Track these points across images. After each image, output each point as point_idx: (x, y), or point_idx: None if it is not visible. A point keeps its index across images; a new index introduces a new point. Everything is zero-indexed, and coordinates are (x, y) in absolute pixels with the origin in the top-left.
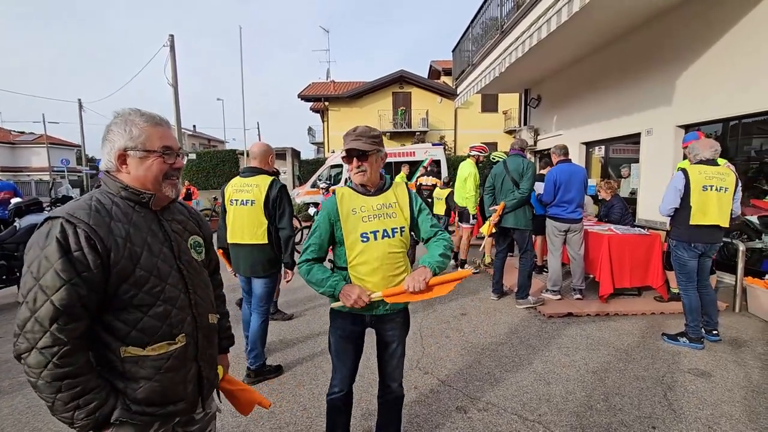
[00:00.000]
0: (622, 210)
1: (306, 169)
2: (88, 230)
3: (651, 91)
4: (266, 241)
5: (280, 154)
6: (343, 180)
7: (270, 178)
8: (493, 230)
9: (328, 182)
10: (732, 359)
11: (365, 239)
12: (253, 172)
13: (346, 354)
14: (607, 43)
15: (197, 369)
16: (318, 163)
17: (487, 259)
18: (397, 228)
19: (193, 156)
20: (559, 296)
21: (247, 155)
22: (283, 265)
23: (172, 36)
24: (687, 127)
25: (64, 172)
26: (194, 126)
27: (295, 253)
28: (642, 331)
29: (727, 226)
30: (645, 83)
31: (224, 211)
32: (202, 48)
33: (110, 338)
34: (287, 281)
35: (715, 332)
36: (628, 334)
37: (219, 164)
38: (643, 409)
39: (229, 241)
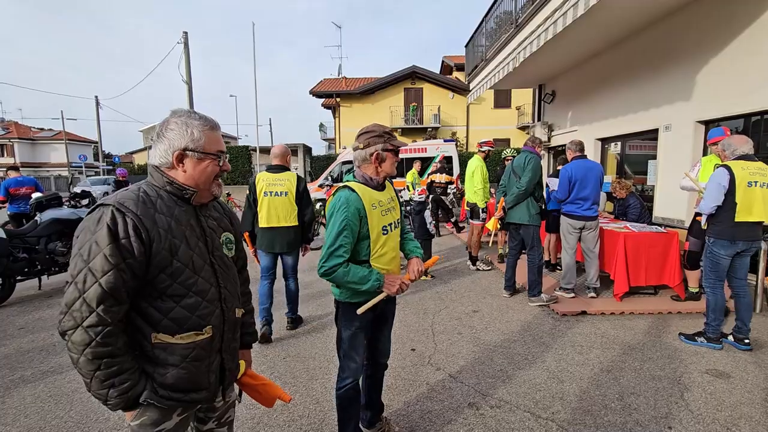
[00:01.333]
0: (640, 209)
1: (317, 165)
2: (136, 220)
3: (670, 86)
4: (297, 223)
5: (292, 150)
6: (324, 177)
7: (295, 174)
8: (498, 226)
9: (330, 180)
10: (752, 360)
11: (385, 232)
12: (280, 169)
13: (360, 344)
14: (624, 38)
15: (220, 360)
16: (329, 159)
17: (500, 251)
18: (398, 219)
19: None
20: (572, 294)
21: (259, 151)
22: (305, 240)
23: (185, 33)
24: (707, 123)
25: (81, 167)
26: None
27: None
28: (658, 331)
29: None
30: (664, 78)
31: (255, 201)
32: (215, 45)
33: (144, 324)
34: (304, 255)
35: (747, 341)
36: (644, 333)
37: (232, 160)
38: (659, 409)
39: (264, 225)
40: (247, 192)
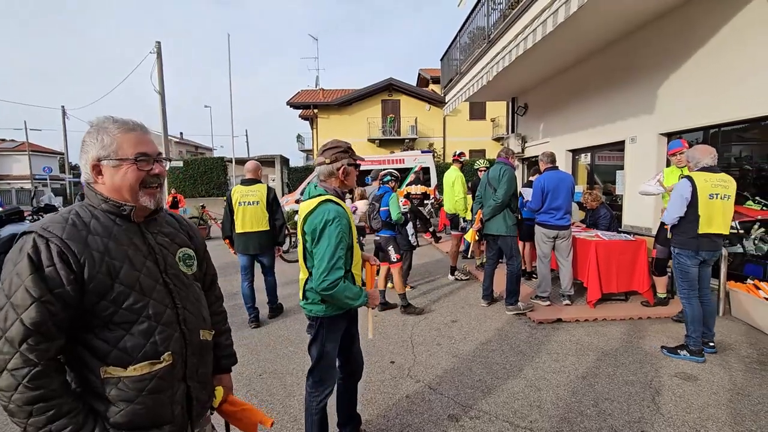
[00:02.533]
0: (609, 219)
1: (295, 177)
2: (61, 244)
3: (634, 100)
4: (268, 228)
5: (269, 162)
6: (301, 189)
7: (265, 185)
8: (476, 237)
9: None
10: (717, 362)
11: (358, 240)
12: (252, 182)
13: (335, 354)
14: (591, 53)
15: (185, 389)
16: (307, 170)
17: (477, 261)
18: None
19: (179, 163)
20: (548, 302)
21: (234, 162)
22: (277, 243)
23: (158, 43)
24: (669, 135)
25: (46, 180)
26: (181, 133)
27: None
28: (630, 336)
29: (728, 233)
30: (629, 92)
31: (231, 210)
32: (189, 55)
33: (90, 358)
34: (280, 255)
35: (711, 344)
36: (616, 339)
37: (207, 171)
38: (632, 414)
39: (240, 230)
40: (225, 203)
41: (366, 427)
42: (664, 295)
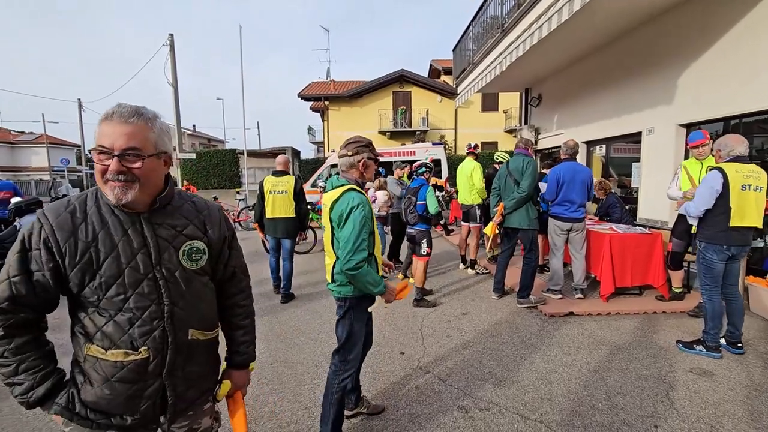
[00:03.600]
0: (620, 208)
1: (306, 169)
2: (48, 231)
3: (652, 90)
4: (294, 215)
5: (280, 154)
6: (312, 181)
7: (293, 177)
8: (497, 231)
9: (325, 182)
10: (734, 358)
11: (381, 230)
12: (282, 173)
13: (362, 334)
14: (608, 42)
15: (160, 387)
16: (318, 162)
17: (489, 254)
18: None
19: (192, 155)
20: (560, 295)
21: (246, 154)
22: (301, 228)
23: (171, 35)
24: (688, 126)
25: (63, 171)
26: (194, 126)
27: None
28: (644, 330)
29: (761, 226)
30: (646, 82)
31: (263, 198)
32: (202, 47)
33: (80, 334)
34: (304, 239)
35: (739, 345)
36: (630, 334)
37: (219, 164)
38: (645, 408)
39: (269, 216)
40: (258, 191)
41: (375, 418)
42: (680, 290)
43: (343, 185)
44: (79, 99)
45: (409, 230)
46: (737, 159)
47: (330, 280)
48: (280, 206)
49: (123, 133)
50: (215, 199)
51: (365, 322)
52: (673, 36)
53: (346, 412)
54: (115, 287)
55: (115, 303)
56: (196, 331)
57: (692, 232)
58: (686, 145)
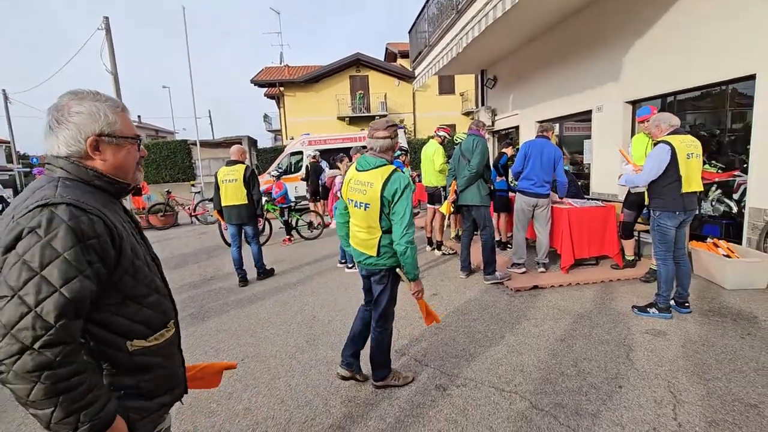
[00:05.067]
0: (575, 183)
1: (264, 158)
2: (103, 217)
3: (600, 69)
4: (247, 201)
5: (236, 143)
6: (272, 170)
7: (244, 165)
8: (452, 209)
9: (279, 171)
10: (683, 317)
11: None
12: (234, 163)
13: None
14: (559, 22)
15: (180, 354)
16: (276, 151)
17: (453, 233)
18: None
19: None
20: (524, 269)
21: (200, 145)
22: (257, 215)
23: (107, 18)
24: (634, 103)
25: None
26: (139, 117)
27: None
28: (602, 298)
29: (702, 190)
30: (594, 61)
31: (218, 187)
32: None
33: (112, 336)
34: (260, 224)
35: (687, 305)
36: (590, 302)
37: (170, 155)
38: (609, 371)
39: (224, 204)
40: (214, 183)
41: (354, 401)
42: (632, 258)
43: (385, 165)
44: (3, 90)
45: None
46: (677, 131)
47: (375, 254)
48: (231, 194)
49: (130, 120)
50: (168, 193)
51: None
52: (619, 15)
53: (344, 373)
54: (144, 269)
55: (146, 285)
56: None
57: (644, 203)
58: (632, 120)
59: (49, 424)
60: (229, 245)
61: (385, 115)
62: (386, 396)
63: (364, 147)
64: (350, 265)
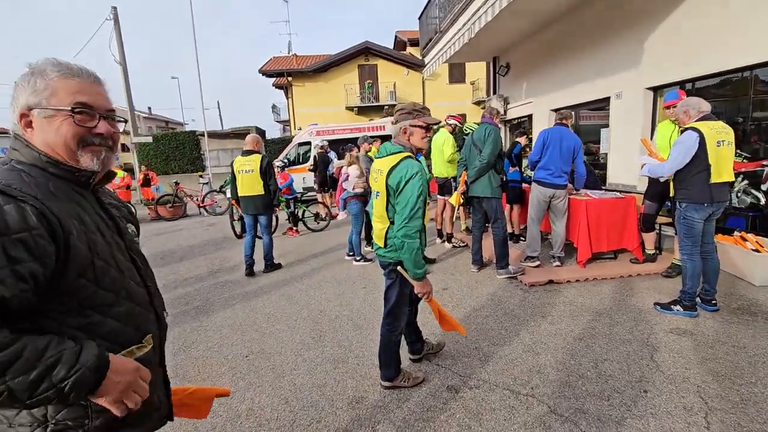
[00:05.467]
0: (592, 174)
1: (272, 149)
2: (40, 207)
3: (619, 54)
4: (263, 192)
5: (244, 134)
6: (312, 158)
7: (260, 156)
8: (461, 200)
9: (284, 162)
10: (710, 316)
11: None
12: (249, 153)
13: (409, 295)
14: (574, 6)
15: (162, 374)
16: (284, 142)
17: (463, 225)
18: None
19: (149, 139)
20: (538, 262)
21: (208, 136)
22: (273, 205)
23: (115, 8)
24: (656, 89)
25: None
26: (149, 108)
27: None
28: (622, 294)
29: (733, 180)
30: (613, 46)
31: (234, 177)
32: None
33: None
34: (275, 213)
35: (713, 302)
36: (609, 298)
37: (179, 147)
38: (633, 373)
39: (241, 194)
40: (230, 172)
41: (362, 402)
42: (653, 252)
43: (399, 152)
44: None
45: None
46: (706, 117)
47: (383, 246)
48: (248, 184)
49: (100, 92)
50: (177, 184)
51: (409, 288)
52: None
53: (413, 357)
54: (111, 272)
55: (113, 291)
56: (164, 313)
57: (670, 195)
58: (654, 106)
59: (27, 399)
60: (239, 237)
61: (393, 105)
62: (395, 398)
63: (373, 137)
64: (358, 258)
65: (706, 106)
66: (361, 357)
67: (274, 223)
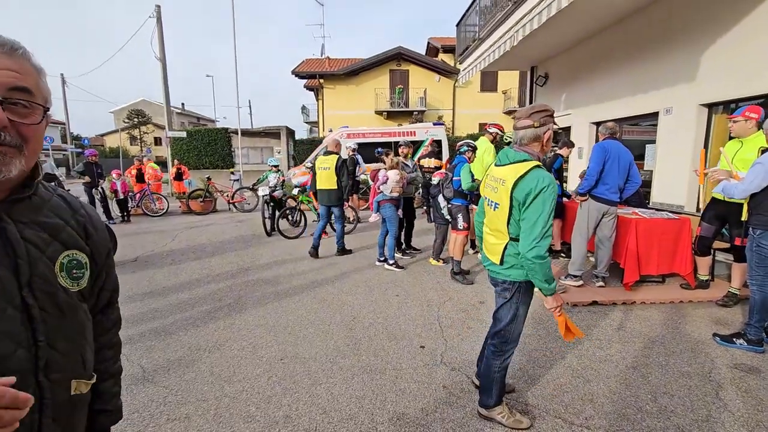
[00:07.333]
0: (638, 193)
1: (300, 150)
2: None
3: (671, 68)
4: (336, 187)
5: (274, 134)
6: (309, 161)
7: (336, 156)
8: None
9: (313, 162)
10: None
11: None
12: (329, 153)
13: (525, 317)
14: (625, 16)
15: None
16: (313, 143)
17: None
18: None
19: (182, 134)
20: (580, 282)
21: (240, 134)
22: (344, 199)
23: (158, 7)
24: (711, 106)
25: (48, 150)
26: (183, 104)
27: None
28: (674, 321)
29: None
30: (665, 59)
31: (315, 173)
32: (189, 21)
33: None
34: (346, 206)
35: None
36: (660, 325)
37: (211, 143)
38: (697, 411)
39: (318, 188)
40: (310, 167)
41: (403, 419)
42: (706, 278)
43: (525, 160)
44: (62, 74)
45: (447, 205)
46: None
47: (498, 263)
48: (325, 180)
49: (5, 66)
50: (209, 179)
51: (529, 305)
52: (699, 10)
53: (477, 382)
54: None
55: None
56: (80, 382)
57: (731, 218)
58: (707, 123)
59: None
60: (269, 235)
61: (423, 111)
62: (437, 417)
63: (413, 142)
64: (391, 262)
65: None
66: (399, 369)
67: (302, 224)
